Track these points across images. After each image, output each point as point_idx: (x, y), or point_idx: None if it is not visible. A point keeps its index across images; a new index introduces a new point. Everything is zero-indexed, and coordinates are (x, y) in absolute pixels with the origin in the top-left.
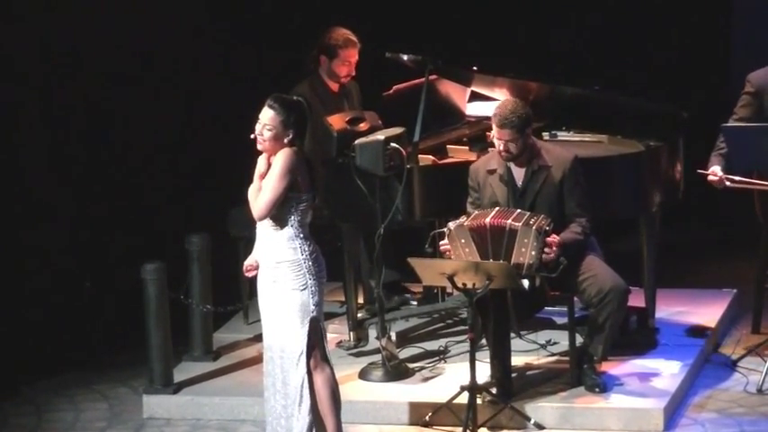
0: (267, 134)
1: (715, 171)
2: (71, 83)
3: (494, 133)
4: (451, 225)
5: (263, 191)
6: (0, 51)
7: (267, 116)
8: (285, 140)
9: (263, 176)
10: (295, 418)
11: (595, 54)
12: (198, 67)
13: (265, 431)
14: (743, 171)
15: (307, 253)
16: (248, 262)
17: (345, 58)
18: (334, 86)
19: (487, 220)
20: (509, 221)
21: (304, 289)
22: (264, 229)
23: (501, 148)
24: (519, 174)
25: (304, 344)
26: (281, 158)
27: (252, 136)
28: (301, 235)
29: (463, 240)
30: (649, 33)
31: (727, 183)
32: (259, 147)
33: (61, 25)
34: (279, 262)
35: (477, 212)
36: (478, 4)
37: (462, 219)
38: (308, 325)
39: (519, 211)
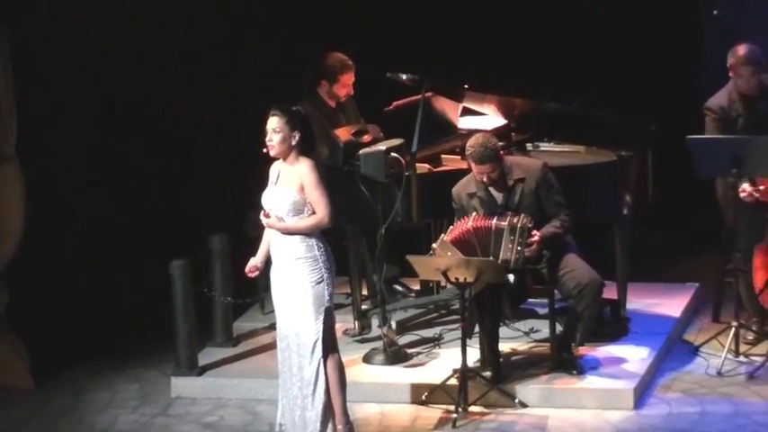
0: (276, 138)
1: (744, 188)
2: (102, 85)
3: (474, 169)
4: (434, 245)
5: (318, 203)
6: (32, 55)
7: (273, 122)
8: (293, 142)
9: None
10: (310, 400)
11: (574, 73)
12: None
13: (278, 409)
14: (706, 178)
15: (322, 249)
16: (252, 264)
17: (345, 82)
18: (332, 103)
19: (470, 224)
20: (494, 222)
21: (320, 282)
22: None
23: (484, 179)
24: (497, 193)
25: (320, 332)
26: (309, 170)
27: (264, 150)
28: (314, 233)
29: (450, 253)
30: (624, 55)
31: (756, 194)
32: (272, 153)
33: (93, 25)
34: (297, 258)
35: (452, 226)
36: (472, 28)
37: (441, 236)
38: (323, 315)
39: (498, 214)
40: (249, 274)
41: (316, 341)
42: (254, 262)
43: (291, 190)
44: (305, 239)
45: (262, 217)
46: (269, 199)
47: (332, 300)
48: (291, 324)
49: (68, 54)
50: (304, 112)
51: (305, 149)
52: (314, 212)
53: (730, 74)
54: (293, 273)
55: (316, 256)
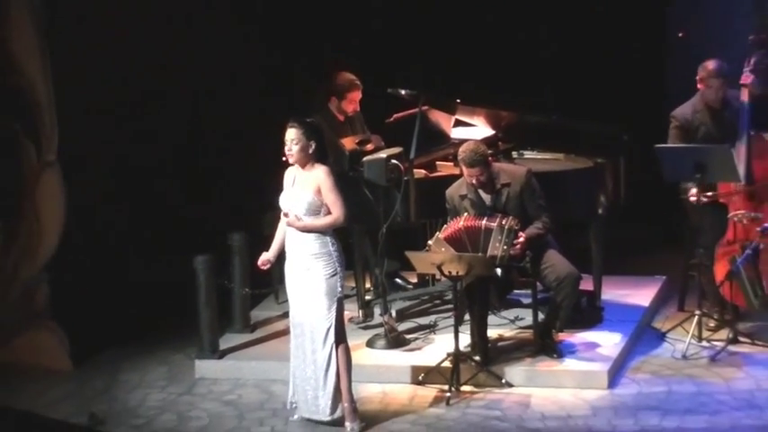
0: (295, 147)
1: (693, 192)
2: (137, 96)
3: (465, 172)
4: (430, 242)
5: (334, 204)
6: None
7: (292, 134)
8: (310, 150)
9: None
10: (322, 381)
11: (556, 88)
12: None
13: (289, 389)
14: (673, 182)
15: (336, 246)
16: (265, 257)
17: (352, 99)
18: (341, 117)
19: (461, 224)
20: (484, 222)
21: (334, 275)
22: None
23: (474, 181)
24: (486, 195)
25: (333, 320)
26: (326, 175)
27: (284, 158)
28: (328, 231)
29: (443, 249)
30: (601, 72)
31: (703, 199)
32: (291, 161)
33: (111, 28)
34: (313, 254)
35: (446, 225)
36: (463, 49)
37: (436, 234)
38: (335, 304)
39: (487, 215)
40: (261, 267)
41: (329, 328)
42: (267, 256)
43: (308, 192)
44: (320, 237)
45: (283, 216)
46: (287, 201)
47: (343, 291)
48: (307, 313)
49: (89, 59)
50: (318, 123)
51: (319, 157)
52: (329, 213)
53: (699, 86)
54: (309, 267)
55: (330, 251)
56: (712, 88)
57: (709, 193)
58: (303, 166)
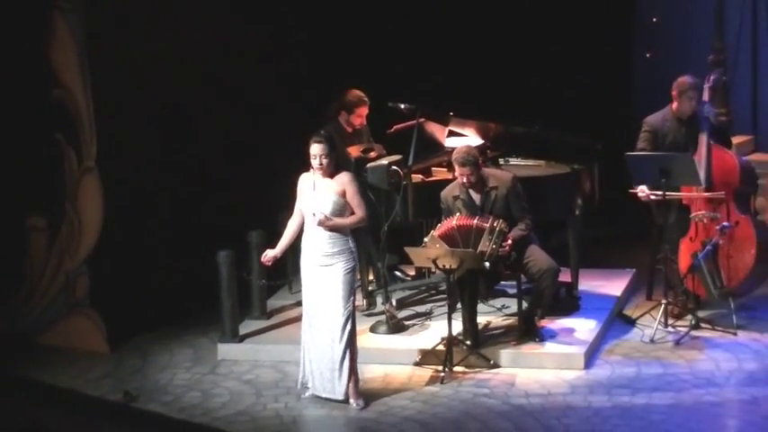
0: (325, 161)
1: (643, 189)
2: (164, 104)
3: (457, 171)
4: (426, 239)
5: (359, 206)
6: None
7: (320, 149)
8: (334, 162)
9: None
10: (339, 364)
11: (540, 103)
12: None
13: (300, 371)
14: (639, 185)
15: (353, 243)
16: (271, 254)
17: (360, 114)
18: (349, 129)
19: (454, 223)
20: (475, 222)
21: (353, 270)
22: (321, 229)
23: (464, 180)
24: (476, 196)
25: (352, 308)
26: (351, 180)
27: (312, 170)
28: (347, 230)
29: (438, 245)
30: (577, 89)
31: (652, 197)
32: (320, 172)
33: (154, 40)
34: (335, 250)
35: (440, 224)
36: (457, 70)
37: (432, 232)
38: (352, 295)
39: (478, 216)
40: (266, 263)
41: (348, 316)
42: (273, 253)
43: (335, 195)
44: (342, 236)
45: (312, 218)
46: (313, 203)
47: (356, 282)
48: (326, 305)
49: (127, 70)
50: (333, 136)
51: (337, 164)
52: (352, 213)
53: (675, 100)
54: (330, 263)
55: (350, 248)
56: (693, 100)
57: (659, 192)
58: (332, 175)
